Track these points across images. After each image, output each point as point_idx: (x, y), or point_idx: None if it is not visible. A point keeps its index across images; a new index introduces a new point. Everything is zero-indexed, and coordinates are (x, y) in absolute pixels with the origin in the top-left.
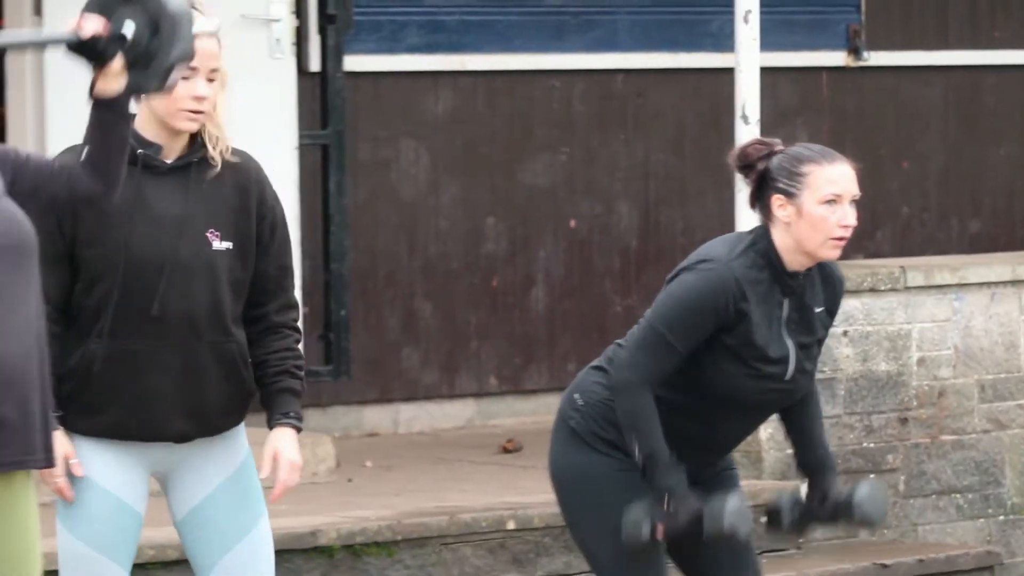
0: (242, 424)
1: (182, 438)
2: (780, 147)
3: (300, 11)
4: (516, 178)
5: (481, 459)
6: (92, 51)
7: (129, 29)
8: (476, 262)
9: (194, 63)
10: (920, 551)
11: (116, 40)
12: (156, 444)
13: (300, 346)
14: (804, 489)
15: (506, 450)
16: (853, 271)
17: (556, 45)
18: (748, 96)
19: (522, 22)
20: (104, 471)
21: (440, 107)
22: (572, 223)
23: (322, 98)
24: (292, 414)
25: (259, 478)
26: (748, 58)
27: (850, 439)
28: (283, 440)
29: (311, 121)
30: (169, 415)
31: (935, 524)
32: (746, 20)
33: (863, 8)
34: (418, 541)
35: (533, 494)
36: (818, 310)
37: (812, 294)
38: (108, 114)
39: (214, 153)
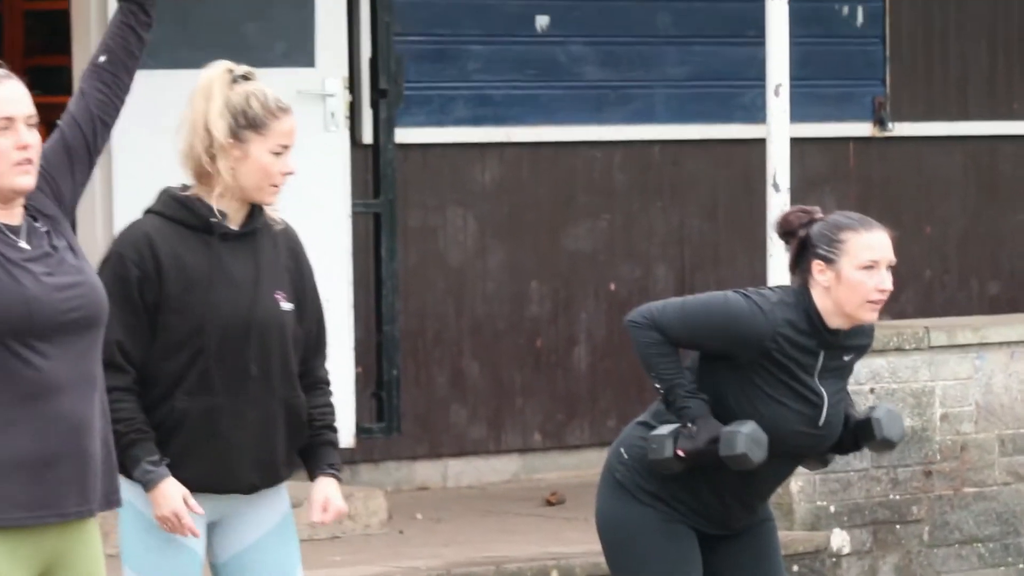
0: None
1: (252, 489)
2: (820, 215)
3: (353, 86)
4: (559, 243)
5: (526, 511)
6: None
7: None
8: (521, 323)
9: (285, 142)
10: None
11: None
12: (224, 496)
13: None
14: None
15: (550, 503)
16: (879, 331)
17: (596, 117)
18: (779, 165)
19: (564, 96)
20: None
21: (486, 176)
22: (612, 286)
23: (374, 168)
24: (336, 465)
25: (315, 521)
26: (779, 129)
27: (877, 491)
28: (331, 488)
29: (364, 190)
30: (244, 468)
31: (958, 573)
32: (777, 93)
33: (888, 81)
34: None
35: (576, 544)
36: (847, 359)
37: (845, 346)
38: (138, 11)
39: (275, 218)
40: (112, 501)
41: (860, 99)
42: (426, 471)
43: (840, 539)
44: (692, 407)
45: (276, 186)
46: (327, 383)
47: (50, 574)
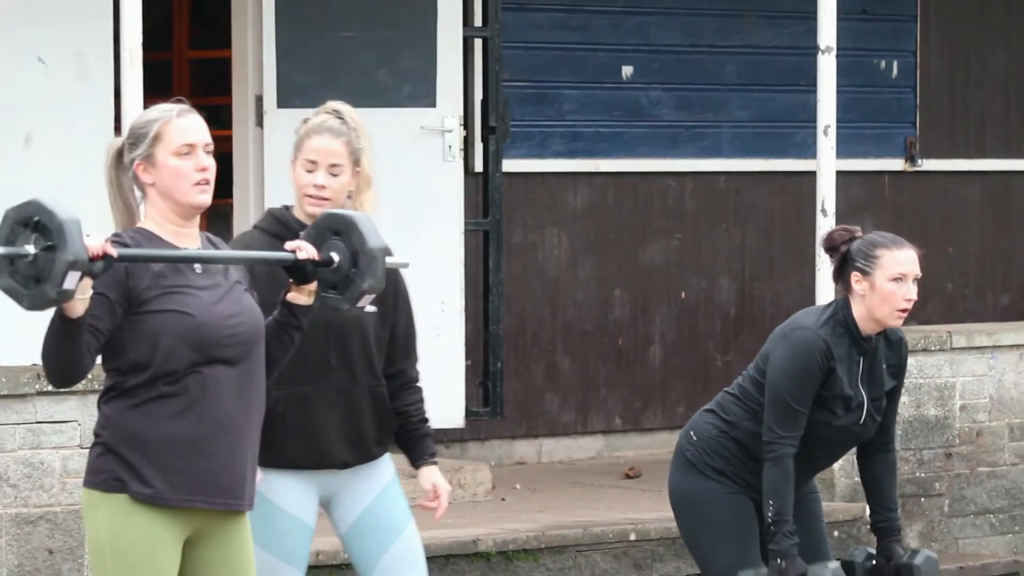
0: (387, 452)
1: (345, 465)
2: (859, 233)
3: (468, 124)
4: (638, 258)
5: (608, 484)
6: (302, 271)
7: (335, 256)
8: (605, 325)
9: (314, 158)
10: (961, 560)
11: (324, 264)
12: (324, 471)
13: (463, 389)
14: (872, 549)
15: (628, 476)
16: (909, 335)
17: (671, 152)
18: (826, 194)
19: (644, 134)
20: (284, 495)
21: (578, 201)
22: (683, 294)
23: (484, 193)
24: (434, 453)
25: (429, 508)
26: (827, 163)
27: (905, 470)
28: (436, 475)
29: (474, 212)
30: (335, 446)
31: (972, 539)
32: (825, 133)
33: (917, 124)
34: (558, 549)
35: (650, 511)
36: (884, 367)
37: (881, 354)
38: (291, 319)
39: None
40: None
41: (894, 139)
42: (524, 448)
43: None
44: (788, 548)
45: (311, 197)
46: (417, 381)
47: (202, 537)
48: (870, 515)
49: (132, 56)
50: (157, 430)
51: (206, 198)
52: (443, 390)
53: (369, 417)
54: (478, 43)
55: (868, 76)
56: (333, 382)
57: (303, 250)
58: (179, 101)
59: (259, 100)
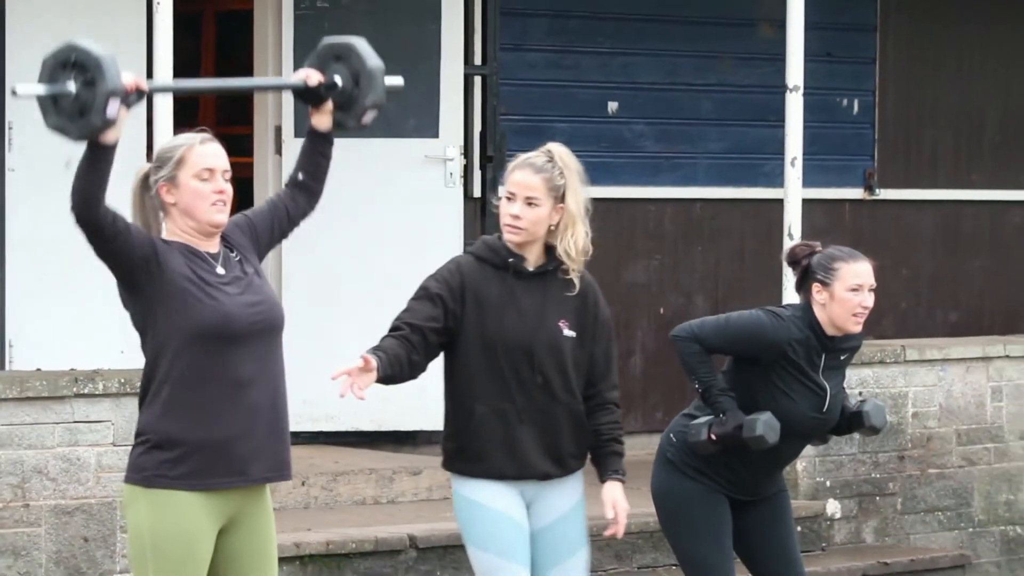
0: (581, 469)
1: (546, 477)
2: (819, 248)
3: (467, 153)
4: (621, 277)
5: (594, 481)
6: (313, 95)
7: (339, 80)
8: None
9: (513, 190)
10: (912, 553)
11: (329, 88)
12: (523, 482)
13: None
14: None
15: None
16: (867, 348)
17: (652, 180)
18: (793, 219)
19: (628, 163)
20: (493, 497)
21: None
22: (661, 310)
23: (481, 216)
24: (620, 471)
25: (608, 518)
26: (793, 192)
27: (862, 471)
28: (617, 491)
29: (473, 232)
30: (535, 459)
31: (923, 534)
32: (793, 164)
33: (876, 157)
34: None
35: (631, 507)
36: (843, 358)
37: (840, 349)
38: (321, 141)
39: (570, 265)
40: (283, 474)
41: (855, 170)
42: None
43: (833, 507)
44: (723, 402)
45: (509, 225)
46: (614, 403)
47: (233, 524)
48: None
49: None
50: (194, 422)
51: (222, 217)
52: (442, 393)
53: (567, 433)
54: (478, 80)
55: (831, 113)
56: (533, 400)
57: (311, 77)
58: (202, 131)
59: (278, 130)
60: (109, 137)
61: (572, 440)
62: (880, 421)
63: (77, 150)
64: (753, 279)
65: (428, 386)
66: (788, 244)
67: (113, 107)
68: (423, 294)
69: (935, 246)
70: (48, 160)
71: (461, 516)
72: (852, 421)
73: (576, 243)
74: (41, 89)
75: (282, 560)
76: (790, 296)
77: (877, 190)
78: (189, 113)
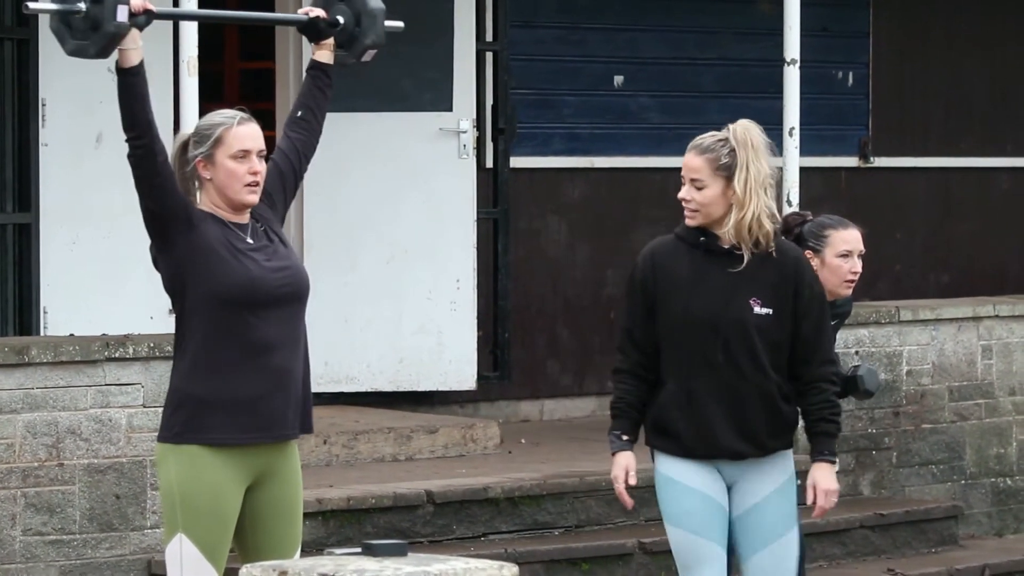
0: (790, 450)
1: (736, 456)
2: (810, 217)
3: (480, 125)
4: (628, 242)
5: (601, 439)
6: (315, 30)
7: (341, 18)
8: (600, 301)
9: (683, 173)
10: (907, 504)
11: (331, 25)
12: (716, 460)
13: (475, 357)
14: None
15: None
16: (862, 310)
17: (657, 151)
18: (791, 187)
19: (634, 134)
20: (686, 474)
21: (576, 193)
22: None
23: (494, 186)
24: (827, 452)
25: (806, 502)
26: (791, 161)
27: (859, 426)
28: (821, 472)
29: (485, 202)
30: (724, 438)
31: (917, 486)
32: (791, 134)
33: (870, 127)
34: (557, 495)
35: (638, 463)
36: (834, 323)
37: (833, 315)
38: (322, 76)
39: (762, 242)
40: (306, 427)
41: (850, 140)
42: (528, 408)
43: None
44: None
45: (686, 209)
46: (825, 381)
47: (260, 481)
48: None
49: (190, 67)
50: (219, 382)
51: (254, 198)
52: (458, 357)
53: (758, 413)
54: (489, 56)
55: (827, 85)
56: (721, 378)
57: (313, 12)
58: (242, 109)
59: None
60: (131, 57)
61: (766, 420)
62: (874, 385)
63: (108, 126)
64: None
65: (444, 349)
66: (787, 211)
67: (123, 12)
68: (629, 290)
69: (927, 211)
70: (80, 135)
71: (659, 493)
72: (847, 385)
73: (744, 222)
74: (52, 5)
75: (305, 516)
76: None
77: (872, 158)
78: (215, 88)
